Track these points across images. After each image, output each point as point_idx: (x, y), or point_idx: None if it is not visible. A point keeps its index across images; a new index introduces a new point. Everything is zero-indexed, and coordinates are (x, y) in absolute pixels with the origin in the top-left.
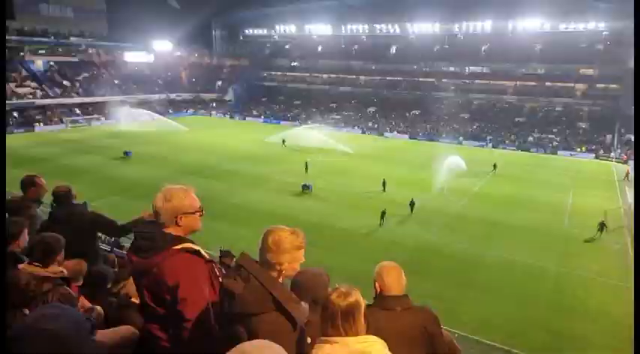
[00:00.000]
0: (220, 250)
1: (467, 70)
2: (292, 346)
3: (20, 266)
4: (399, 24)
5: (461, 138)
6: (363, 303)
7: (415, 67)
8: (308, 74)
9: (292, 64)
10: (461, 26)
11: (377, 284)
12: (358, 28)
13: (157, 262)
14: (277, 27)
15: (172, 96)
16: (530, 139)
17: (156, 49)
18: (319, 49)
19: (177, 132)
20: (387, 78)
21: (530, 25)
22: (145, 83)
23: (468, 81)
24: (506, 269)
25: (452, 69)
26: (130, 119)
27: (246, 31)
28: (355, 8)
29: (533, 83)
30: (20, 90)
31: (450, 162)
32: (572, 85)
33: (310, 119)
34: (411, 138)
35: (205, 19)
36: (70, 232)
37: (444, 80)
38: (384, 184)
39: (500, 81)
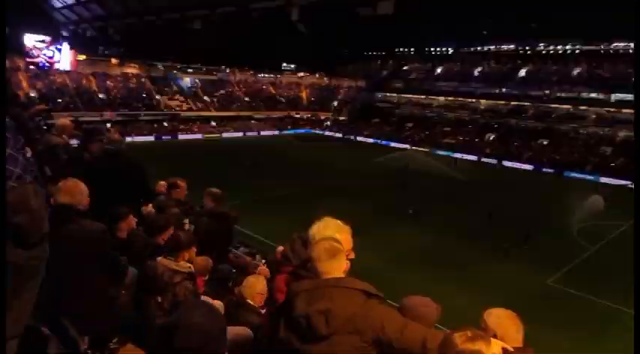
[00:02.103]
0: None
1: (612, 97)
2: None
3: (158, 258)
4: (530, 43)
5: (599, 174)
6: None
7: (547, 91)
8: (424, 96)
9: (408, 86)
10: (609, 46)
11: (497, 334)
12: (482, 49)
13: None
14: (397, 49)
15: (292, 113)
16: None
17: (282, 70)
18: (438, 70)
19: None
20: (512, 103)
21: None
22: (269, 101)
23: (613, 109)
24: None
25: (593, 95)
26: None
27: (365, 52)
28: (479, 27)
29: None
30: (170, 102)
31: (582, 199)
32: None
33: (422, 142)
34: (535, 169)
35: (328, 41)
36: (224, 231)
37: (581, 107)
38: (489, 215)
39: None
